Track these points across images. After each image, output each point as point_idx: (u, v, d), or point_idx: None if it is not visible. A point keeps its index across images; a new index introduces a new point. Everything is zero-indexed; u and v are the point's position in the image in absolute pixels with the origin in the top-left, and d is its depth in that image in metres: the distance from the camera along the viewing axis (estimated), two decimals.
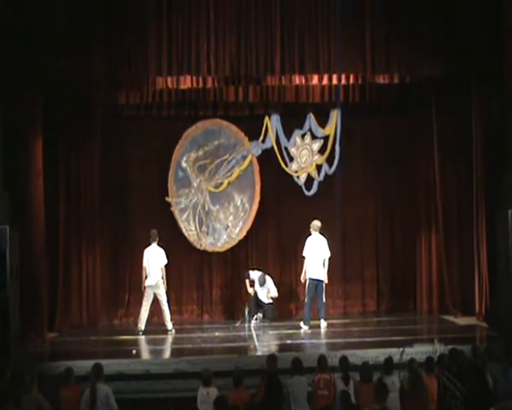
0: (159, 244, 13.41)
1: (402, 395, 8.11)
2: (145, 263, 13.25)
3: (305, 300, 13.42)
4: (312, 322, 13.24)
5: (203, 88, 13.76)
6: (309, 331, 13.02)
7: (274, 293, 14.44)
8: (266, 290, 14.38)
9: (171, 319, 13.35)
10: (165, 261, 13.29)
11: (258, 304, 14.35)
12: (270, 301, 14.43)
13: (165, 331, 13.16)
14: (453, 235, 14.37)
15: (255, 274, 14.43)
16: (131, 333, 13.22)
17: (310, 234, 13.48)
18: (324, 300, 13.34)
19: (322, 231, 13.50)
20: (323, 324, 13.25)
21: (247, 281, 14.44)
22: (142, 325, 13.17)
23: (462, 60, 12.80)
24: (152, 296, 13.22)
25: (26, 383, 7.91)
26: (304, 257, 13.43)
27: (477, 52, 12.74)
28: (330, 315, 14.03)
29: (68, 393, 8.27)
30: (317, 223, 13.47)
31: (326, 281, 13.33)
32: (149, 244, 13.40)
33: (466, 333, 12.20)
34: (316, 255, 13.28)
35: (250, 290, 14.34)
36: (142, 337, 12.92)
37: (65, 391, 8.30)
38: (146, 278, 13.22)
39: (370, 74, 13.10)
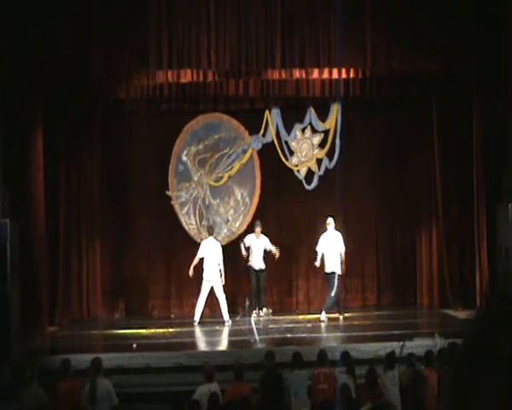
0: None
1: (402, 390, 8.11)
2: (200, 255, 13.39)
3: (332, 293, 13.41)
4: (314, 316, 13.28)
5: (203, 82, 13.75)
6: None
7: (273, 250, 14.01)
8: (262, 248, 14.08)
9: (229, 311, 13.46)
10: (222, 257, 13.40)
11: (258, 293, 14.23)
12: (263, 267, 14.20)
13: (222, 323, 13.25)
14: (454, 228, 14.35)
15: (251, 238, 14.17)
16: (132, 327, 13.24)
17: (325, 230, 13.59)
18: (333, 294, 13.32)
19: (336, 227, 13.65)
20: (323, 315, 13.26)
21: (242, 245, 14.19)
22: (197, 317, 13.36)
23: (462, 56, 12.79)
24: (208, 289, 13.40)
25: (25, 377, 7.90)
26: (316, 252, 13.47)
27: (477, 49, 12.71)
28: (331, 309, 14.00)
29: (67, 386, 8.25)
30: (330, 220, 13.61)
31: (339, 272, 13.36)
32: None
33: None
34: (329, 250, 13.38)
35: (244, 253, 14.10)
36: (143, 331, 12.94)
37: (63, 384, 8.27)
38: (192, 267, 13.35)
39: (370, 68, 13.09)
